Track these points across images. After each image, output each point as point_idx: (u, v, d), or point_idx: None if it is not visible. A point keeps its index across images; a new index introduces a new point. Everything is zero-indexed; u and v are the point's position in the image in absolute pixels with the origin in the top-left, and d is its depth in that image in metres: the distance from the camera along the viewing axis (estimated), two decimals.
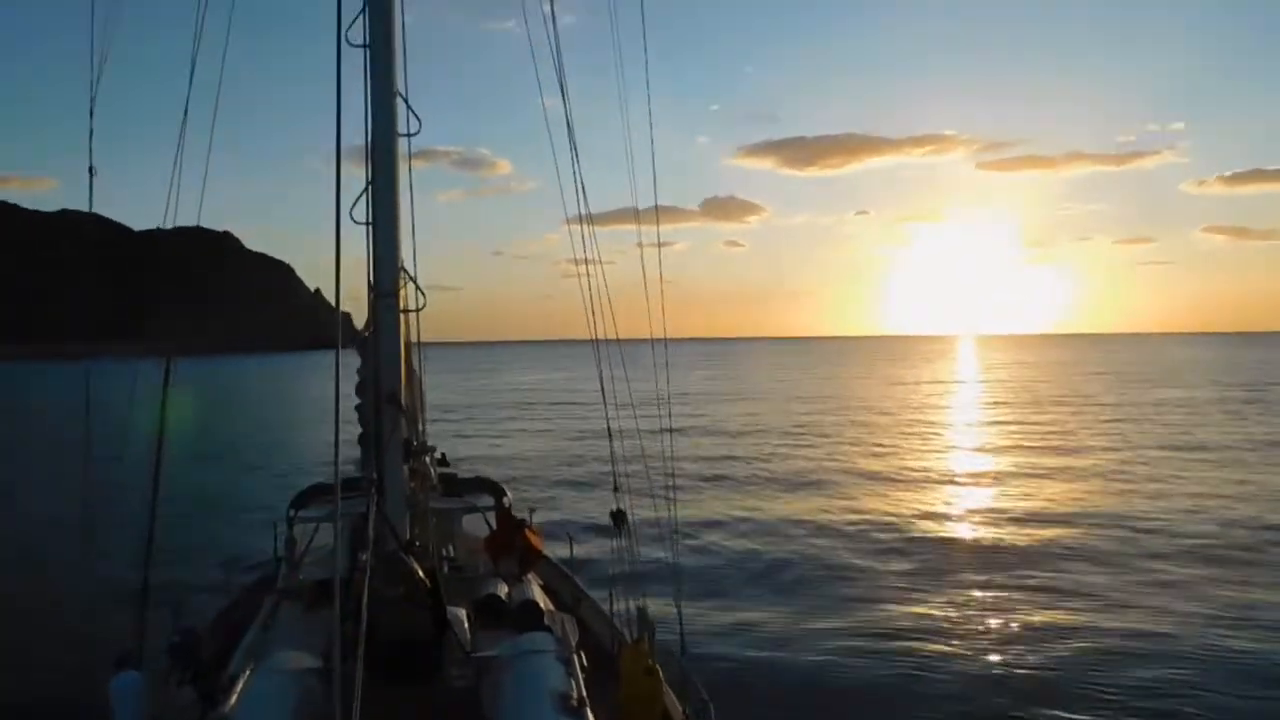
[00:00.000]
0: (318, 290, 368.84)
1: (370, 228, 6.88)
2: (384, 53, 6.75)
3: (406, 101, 7.13)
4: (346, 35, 5.82)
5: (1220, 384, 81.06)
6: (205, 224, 9.08)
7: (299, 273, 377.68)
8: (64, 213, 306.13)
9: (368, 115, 6.74)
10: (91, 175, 7.32)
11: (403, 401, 7.29)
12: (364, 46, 6.63)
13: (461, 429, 48.32)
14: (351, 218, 6.75)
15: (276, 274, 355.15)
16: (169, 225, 8.02)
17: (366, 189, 6.83)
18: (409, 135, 7.26)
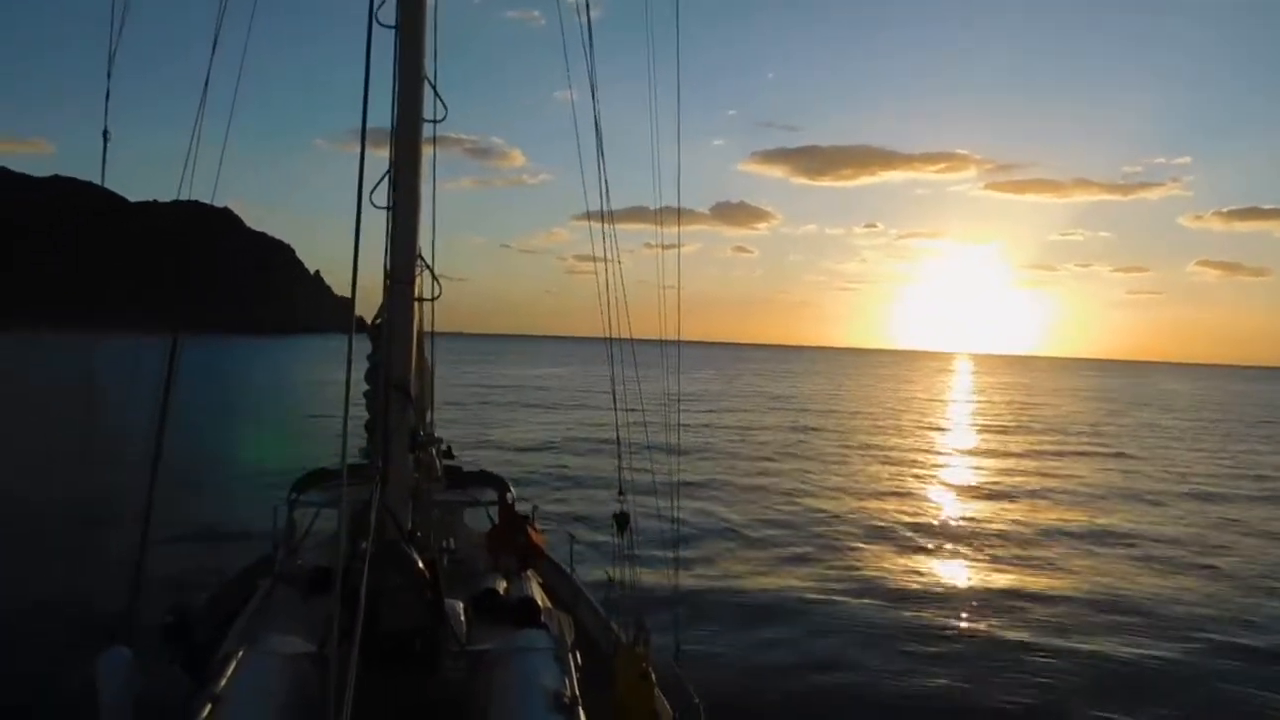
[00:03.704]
0: (318, 273, 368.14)
1: (390, 213, 6.81)
2: (414, 36, 6.67)
3: (434, 87, 7.06)
4: (377, 15, 5.74)
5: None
6: (206, 199, 8.83)
7: (300, 255, 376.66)
8: (55, 179, 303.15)
9: (394, 98, 6.66)
10: (106, 140, 7.06)
11: (412, 391, 7.22)
12: (394, 28, 6.55)
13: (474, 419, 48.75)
14: (372, 202, 6.68)
15: (278, 254, 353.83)
16: (184, 198, 7.85)
17: (389, 173, 6.76)
18: (434, 121, 7.18)
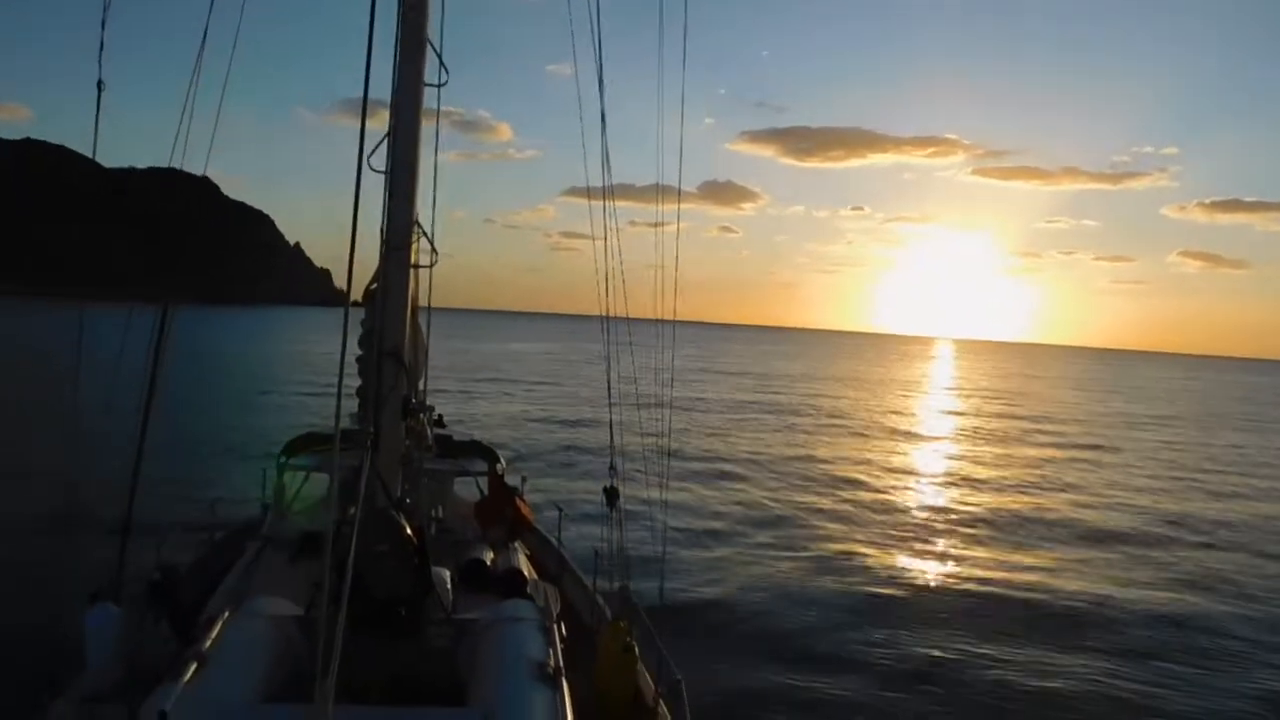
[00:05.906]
0: (298, 244, 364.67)
1: (387, 178, 6.75)
2: None
3: (438, 51, 6.99)
4: None
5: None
6: (187, 167, 8.54)
7: (280, 226, 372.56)
8: (27, 141, 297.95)
9: (396, 60, 6.59)
10: (100, 90, 6.89)
11: (405, 358, 7.19)
12: None
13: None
14: (370, 166, 6.61)
15: (257, 225, 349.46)
16: (161, 165, 7.69)
17: (388, 136, 6.69)
18: (438, 86, 7.11)
